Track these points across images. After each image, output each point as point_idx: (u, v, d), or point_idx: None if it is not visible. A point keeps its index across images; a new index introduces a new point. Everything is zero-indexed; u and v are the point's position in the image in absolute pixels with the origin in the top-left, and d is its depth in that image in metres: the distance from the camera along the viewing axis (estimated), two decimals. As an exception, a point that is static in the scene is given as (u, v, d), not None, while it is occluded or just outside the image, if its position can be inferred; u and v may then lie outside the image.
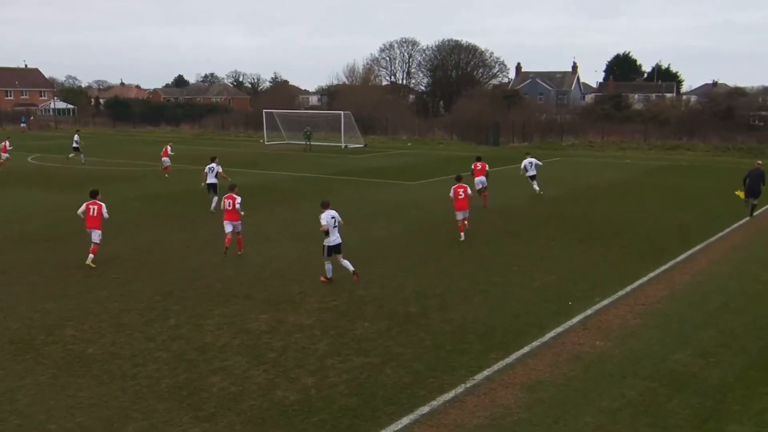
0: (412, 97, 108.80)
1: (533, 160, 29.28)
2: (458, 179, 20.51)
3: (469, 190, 20.02)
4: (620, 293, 14.65)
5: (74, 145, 43.71)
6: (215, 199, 24.13)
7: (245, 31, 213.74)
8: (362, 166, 41.31)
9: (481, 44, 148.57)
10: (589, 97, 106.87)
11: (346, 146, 56.24)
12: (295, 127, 62.32)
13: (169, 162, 35.17)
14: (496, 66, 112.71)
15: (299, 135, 59.96)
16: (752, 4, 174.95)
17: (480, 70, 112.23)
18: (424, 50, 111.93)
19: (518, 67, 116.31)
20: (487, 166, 26.22)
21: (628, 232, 21.01)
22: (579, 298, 14.36)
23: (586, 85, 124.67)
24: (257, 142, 61.08)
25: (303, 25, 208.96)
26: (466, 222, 19.79)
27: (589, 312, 13.47)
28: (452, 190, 19.94)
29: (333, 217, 15.03)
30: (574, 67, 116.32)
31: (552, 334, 12.28)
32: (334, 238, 14.99)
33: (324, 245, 15.02)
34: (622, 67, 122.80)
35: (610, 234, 20.73)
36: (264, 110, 64.52)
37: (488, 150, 54.27)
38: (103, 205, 16.86)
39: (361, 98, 74.89)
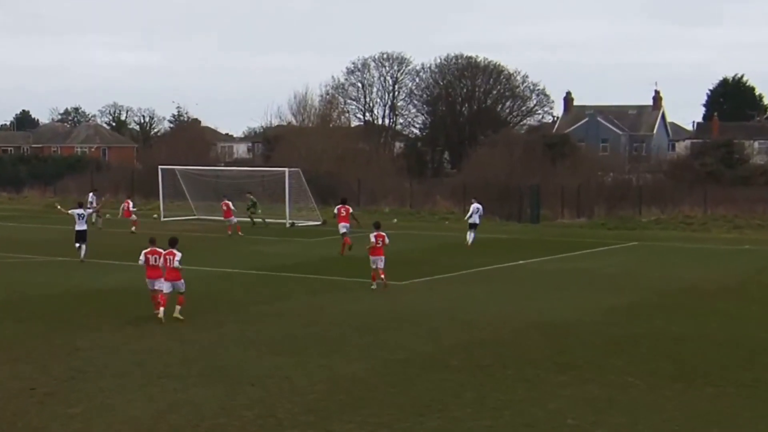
0: (399, 145, 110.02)
1: (479, 206, 45.06)
2: (377, 226, 31.76)
3: (387, 239, 31.10)
4: (743, 463, 14.49)
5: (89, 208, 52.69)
6: (84, 248, 37.47)
7: (125, 45, 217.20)
8: (319, 255, 41.26)
9: (508, 63, 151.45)
10: (682, 146, 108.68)
11: (292, 224, 56.38)
12: (209, 194, 62.45)
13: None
14: (533, 97, 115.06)
15: (218, 206, 59.96)
16: None
17: (507, 104, 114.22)
18: (417, 72, 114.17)
19: (568, 99, 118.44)
20: (351, 210, 40.87)
21: (753, 363, 20.96)
22: (676, 471, 14.16)
23: (676, 127, 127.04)
24: (150, 217, 61.05)
25: (213, 34, 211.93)
26: (381, 272, 30.78)
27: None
28: (372, 237, 30.98)
29: None
30: (657, 99, 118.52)
31: None
32: None
33: None
34: (732, 99, 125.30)
35: (721, 366, 20.66)
36: (160, 166, 64.68)
37: (522, 228, 54.53)
38: (178, 254, 25.05)
39: (317, 147, 75.60)
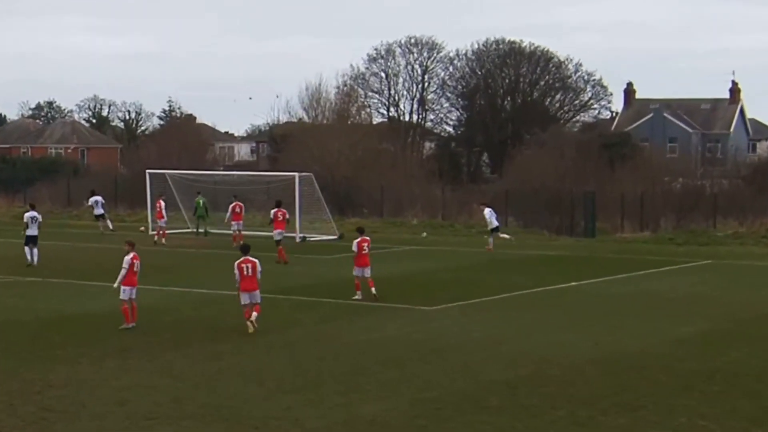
0: (429, 145, 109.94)
1: (489, 209, 50.46)
2: (361, 231, 34.25)
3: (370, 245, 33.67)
4: None
5: (99, 210, 60.11)
6: (35, 252, 41.47)
7: (108, 28, 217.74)
8: (336, 276, 41.19)
9: (558, 49, 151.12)
10: (764, 146, 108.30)
11: (303, 239, 56.29)
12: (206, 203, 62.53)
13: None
14: (588, 88, 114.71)
15: (221, 217, 59.86)
16: None
17: (558, 97, 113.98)
18: (450, 59, 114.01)
19: (629, 91, 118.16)
20: (287, 214, 45.41)
21: None
22: None
23: (757, 125, 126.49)
24: (136, 230, 61.15)
25: (211, 16, 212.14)
26: (370, 282, 32.91)
27: None
28: (355, 244, 33.22)
29: None
30: (734, 91, 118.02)
31: None
32: None
33: None
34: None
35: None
36: (148, 170, 64.75)
37: (575, 243, 54.37)
38: (257, 261, 27.52)
39: (332, 148, 75.51)
